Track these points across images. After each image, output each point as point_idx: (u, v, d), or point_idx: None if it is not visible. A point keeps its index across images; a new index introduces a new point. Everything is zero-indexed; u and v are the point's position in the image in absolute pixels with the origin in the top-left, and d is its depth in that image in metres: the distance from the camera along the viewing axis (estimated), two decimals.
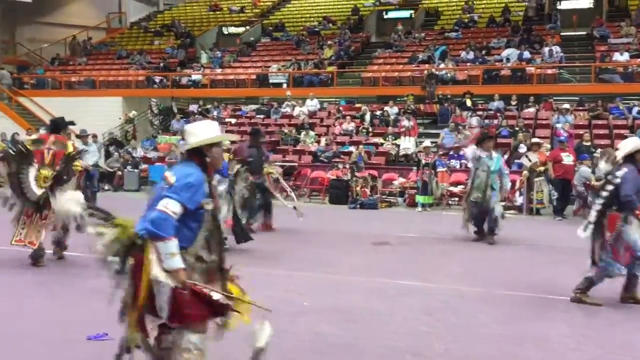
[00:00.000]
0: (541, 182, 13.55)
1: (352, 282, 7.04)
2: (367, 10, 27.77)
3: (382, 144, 18.18)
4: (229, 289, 3.71)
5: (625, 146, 6.25)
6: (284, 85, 22.47)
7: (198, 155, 3.65)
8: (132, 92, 23.85)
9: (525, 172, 13.71)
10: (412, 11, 26.68)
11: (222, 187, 8.07)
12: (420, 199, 14.34)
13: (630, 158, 6.13)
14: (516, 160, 15.01)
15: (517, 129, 16.98)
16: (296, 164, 17.31)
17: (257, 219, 10.37)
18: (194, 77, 23.97)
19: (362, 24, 26.66)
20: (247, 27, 27.97)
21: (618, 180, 5.99)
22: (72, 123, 8.35)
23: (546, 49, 20.22)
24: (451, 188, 14.91)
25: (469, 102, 19.36)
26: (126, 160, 18.87)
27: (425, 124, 19.72)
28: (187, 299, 3.47)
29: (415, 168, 15.07)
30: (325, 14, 28.12)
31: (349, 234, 10.78)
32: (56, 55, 28.11)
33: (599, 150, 13.85)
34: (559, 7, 24.78)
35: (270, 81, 22.88)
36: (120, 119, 22.86)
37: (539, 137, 15.84)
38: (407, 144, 17.67)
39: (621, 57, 19.24)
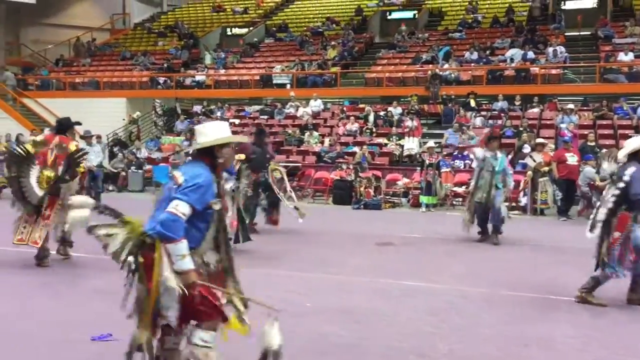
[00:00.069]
0: (545, 182, 13.51)
1: (356, 282, 7.03)
2: (370, 10, 27.76)
3: (386, 145, 18.17)
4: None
5: (629, 145, 6.22)
6: (288, 86, 22.47)
7: (208, 155, 3.65)
8: (136, 93, 23.89)
9: (529, 173, 13.68)
10: (416, 12, 26.64)
11: (228, 186, 8.07)
12: (424, 199, 14.32)
13: (634, 157, 6.10)
14: (520, 161, 14.97)
15: (521, 129, 16.95)
16: (300, 164, 17.30)
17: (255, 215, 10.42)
18: (198, 78, 24.00)
19: (365, 24, 26.65)
20: (251, 28, 27.99)
21: (627, 178, 5.95)
22: (78, 123, 8.36)
23: (550, 49, 20.17)
24: (455, 188, 14.88)
25: (473, 103, 19.34)
26: (130, 161, 18.90)
27: (429, 125, 19.69)
28: (198, 298, 3.49)
29: (419, 168, 15.05)
30: (328, 15, 28.12)
31: (353, 234, 10.77)
32: (60, 57, 28.19)
33: (603, 150, 13.81)
34: (563, 7, 24.70)
35: (274, 82, 22.89)
36: (124, 119, 22.90)
37: (543, 138, 15.79)
38: (411, 145, 17.66)
39: (626, 57, 19.18)
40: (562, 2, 24.93)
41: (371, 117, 19.61)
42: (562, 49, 20.22)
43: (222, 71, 24.30)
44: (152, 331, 3.57)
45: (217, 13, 31.06)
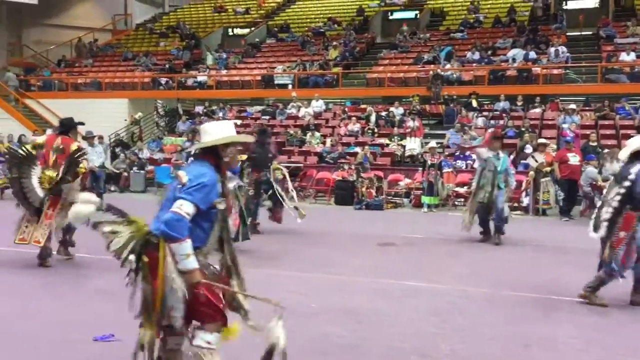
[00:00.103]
0: (547, 182, 13.51)
1: (358, 282, 7.03)
2: (372, 11, 27.75)
3: (387, 145, 18.17)
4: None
5: (632, 145, 6.20)
6: (289, 87, 22.48)
7: (213, 154, 3.64)
8: (137, 94, 23.93)
9: (531, 173, 13.67)
10: (418, 12, 26.65)
11: (231, 185, 8.07)
12: (426, 199, 14.32)
13: (637, 156, 6.08)
14: (522, 161, 14.96)
15: (523, 129, 16.93)
16: (302, 164, 17.31)
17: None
18: (200, 78, 24.02)
19: (367, 24, 26.64)
20: (252, 29, 28.01)
21: (633, 177, 5.92)
22: (81, 123, 8.37)
23: (552, 49, 20.15)
24: (457, 189, 14.87)
25: (474, 103, 19.33)
26: (132, 162, 18.93)
27: (430, 125, 19.70)
28: (203, 299, 3.49)
29: (420, 169, 15.04)
30: (330, 15, 28.13)
31: (355, 234, 10.77)
32: (62, 57, 28.23)
33: (605, 150, 13.80)
34: (564, 7, 24.70)
35: (276, 82, 22.91)
36: (126, 120, 22.93)
37: (545, 138, 15.78)
38: (413, 145, 17.65)
39: (628, 57, 19.16)
40: (564, 2, 24.93)
41: (373, 118, 19.61)
42: (564, 49, 20.20)
43: (224, 72, 24.32)
44: (156, 331, 3.57)
45: (218, 13, 31.09)
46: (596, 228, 6.14)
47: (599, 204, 6.46)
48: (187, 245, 3.40)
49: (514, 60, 20.58)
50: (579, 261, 7.79)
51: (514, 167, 11.79)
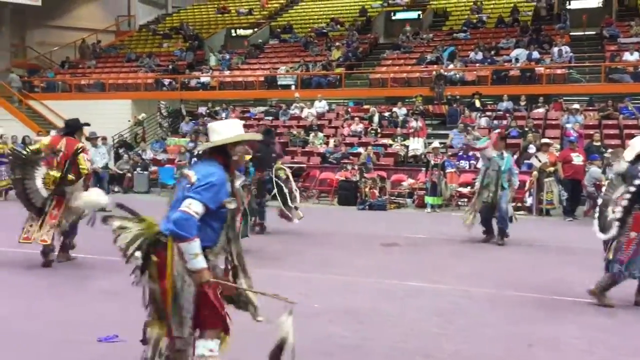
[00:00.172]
0: (551, 182, 13.49)
1: (361, 283, 7.03)
2: (375, 11, 27.75)
3: (390, 145, 18.15)
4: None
5: (635, 145, 6.18)
6: (292, 87, 22.49)
7: (221, 153, 3.63)
8: (141, 95, 23.96)
9: (535, 173, 13.65)
10: (420, 12, 26.62)
11: (237, 183, 8.07)
12: (429, 200, 14.31)
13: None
14: (526, 161, 14.95)
15: (526, 129, 16.90)
16: (305, 165, 17.31)
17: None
18: (203, 79, 24.04)
19: (370, 25, 26.63)
20: (255, 29, 28.02)
21: None
22: (87, 124, 8.39)
23: (555, 49, 20.12)
24: (460, 189, 14.87)
25: (477, 103, 19.30)
26: (136, 163, 18.95)
27: (434, 125, 19.68)
28: (208, 304, 3.48)
29: (424, 169, 15.03)
30: (333, 16, 28.12)
31: (358, 235, 10.77)
32: (66, 59, 28.27)
33: (609, 150, 13.77)
34: (568, 7, 24.65)
35: (279, 83, 22.92)
36: (129, 121, 22.95)
37: (548, 138, 15.75)
38: (416, 145, 17.63)
39: (631, 57, 19.12)
40: (567, 2, 24.88)
41: (376, 118, 19.60)
42: (567, 48, 20.17)
43: (227, 72, 24.34)
44: (165, 332, 3.56)
45: (221, 14, 31.10)
46: (602, 228, 6.11)
47: (599, 201, 6.44)
48: (195, 245, 3.38)
49: (517, 60, 20.55)
50: (582, 261, 7.78)
51: (518, 167, 11.78)
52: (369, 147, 17.32)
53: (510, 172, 9.87)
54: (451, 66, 21.13)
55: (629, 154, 6.20)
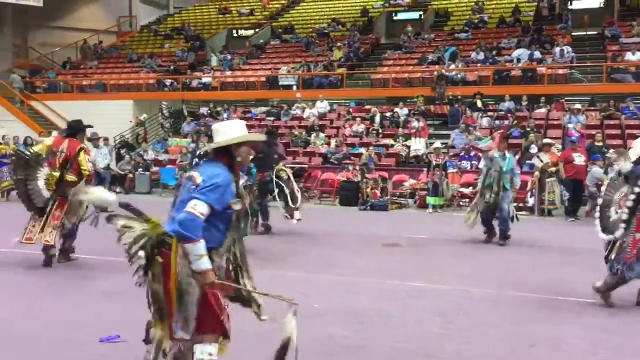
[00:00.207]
0: (553, 182, 13.47)
1: (362, 283, 7.03)
2: (376, 11, 27.75)
3: (392, 146, 18.15)
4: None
5: (638, 146, 6.15)
6: (294, 87, 22.50)
7: (226, 154, 3.63)
8: (142, 95, 23.97)
9: (536, 173, 13.64)
10: (422, 12, 26.62)
11: (240, 182, 8.07)
12: (430, 200, 14.30)
13: None
14: (527, 161, 14.92)
15: (528, 129, 16.89)
16: (306, 165, 17.30)
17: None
18: (204, 79, 24.06)
19: (371, 25, 26.63)
20: (257, 30, 28.04)
21: None
22: (90, 126, 8.38)
23: (557, 49, 20.11)
24: (462, 189, 14.85)
25: (479, 103, 19.29)
26: (137, 163, 18.96)
27: (435, 125, 19.67)
28: (209, 308, 3.48)
29: (425, 169, 15.02)
30: (334, 16, 28.12)
31: (359, 235, 10.76)
32: (67, 59, 28.31)
33: (611, 150, 13.75)
34: (569, 7, 24.64)
35: (280, 83, 22.93)
36: (131, 122, 22.97)
37: (550, 138, 15.74)
38: (418, 145, 17.63)
39: (633, 57, 19.10)
40: (569, 2, 24.87)
41: (377, 118, 19.59)
42: (569, 48, 20.16)
43: (229, 73, 24.35)
44: (168, 333, 3.56)
45: (223, 15, 31.13)
46: (605, 229, 6.09)
47: (599, 201, 6.42)
48: (200, 246, 3.38)
49: (518, 60, 20.54)
50: (584, 262, 7.77)
51: (519, 167, 11.76)
52: (371, 148, 17.32)
53: (512, 173, 9.85)
54: (453, 66, 21.12)
55: (633, 154, 6.17)
